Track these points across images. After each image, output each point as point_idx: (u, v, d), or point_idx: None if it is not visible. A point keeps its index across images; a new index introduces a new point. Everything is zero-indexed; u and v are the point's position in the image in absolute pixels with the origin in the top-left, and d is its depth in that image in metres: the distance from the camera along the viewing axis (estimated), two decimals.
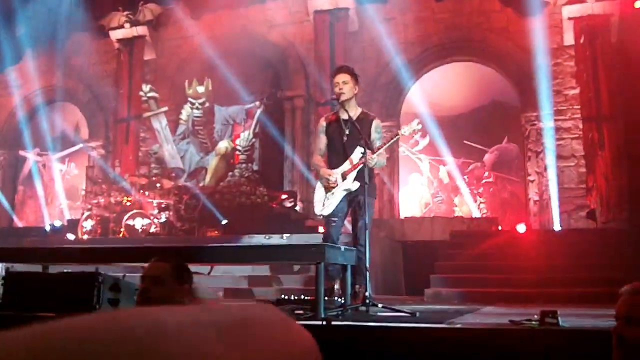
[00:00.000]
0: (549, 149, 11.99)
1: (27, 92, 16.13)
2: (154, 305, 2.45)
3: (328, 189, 6.01)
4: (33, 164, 16.10)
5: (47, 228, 13.39)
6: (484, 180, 13.31)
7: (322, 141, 6.28)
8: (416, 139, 13.37)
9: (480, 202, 13.19)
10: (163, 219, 11.73)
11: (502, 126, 13.05)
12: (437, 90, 13.68)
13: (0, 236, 12.72)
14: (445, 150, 13.82)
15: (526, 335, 3.76)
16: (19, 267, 6.12)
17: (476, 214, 12.95)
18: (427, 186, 13.91)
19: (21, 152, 16.26)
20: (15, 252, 6.54)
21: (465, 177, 13.72)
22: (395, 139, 6.01)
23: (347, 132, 6.02)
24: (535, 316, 3.96)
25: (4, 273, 5.21)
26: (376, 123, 6.13)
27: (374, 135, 6.03)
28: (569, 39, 12.15)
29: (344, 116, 6.08)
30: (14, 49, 15.37)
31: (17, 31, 15.44)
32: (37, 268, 5.85)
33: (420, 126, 6.07)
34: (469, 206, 13.30)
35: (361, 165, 5.78)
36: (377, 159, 5.85)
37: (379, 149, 5.80)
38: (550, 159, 11.97)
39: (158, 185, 12.31)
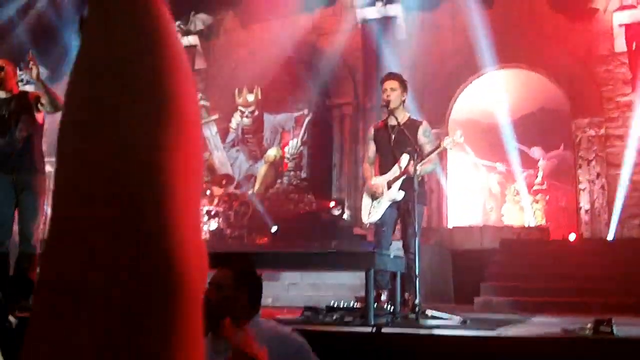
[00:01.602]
0: (601, 156, 11.77)
1: None
2: (212, 310, 2.50)
3: (374, 197, 6.05)
4: None
5: None
6: (534, 187, 13.12)
7: (371, 149, 6.34)
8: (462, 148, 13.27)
9: (535, 210, 12.99)
10: (213, 226, 11.88)
11: (552, 133, 12.87)
12: (485, 97, 13.58)
13: None
14: (494, 158, 13.71)
15: (579, 344, 3.71)
16: None
17: (529, 222, 12.77)
18: (476, 195, 13.80)
19: None
20: None
21: (514, 185, 13.57)
22: (437, 150, 5.98)
23: (393, 137, 6.05)
24: (589, 325, 3.91)
25: None
26: (424, 127, 6.12)
27: (422, 139, 6.02)
28: (620, 45, 11.92)
29: (392, 122, 6.11)
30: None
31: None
32: None
33: (462, 139, 6.03)
34: (521, 215, 13.14)
35: (405, 176, 5.81)
36: (425, 167, 5.85)
37: (421, 159, 5.78)
38: (602, 167, 11.75)
39: (208, 192, 12.48)
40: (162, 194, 0.48)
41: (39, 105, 5.77)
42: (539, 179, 13.09)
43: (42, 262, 0.50)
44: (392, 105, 6.03)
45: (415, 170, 5.63)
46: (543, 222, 12.53)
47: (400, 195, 5.90)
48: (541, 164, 13.17)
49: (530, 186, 13.39)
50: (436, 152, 5.94)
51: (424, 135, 6.06)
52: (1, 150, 5.71)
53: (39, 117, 5.86)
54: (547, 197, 12.86)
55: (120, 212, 0.47)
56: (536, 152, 13.44)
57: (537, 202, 12.98)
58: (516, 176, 13.27)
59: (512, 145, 13.27)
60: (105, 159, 0.48)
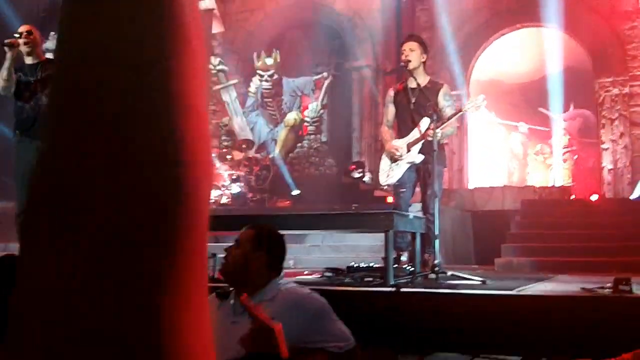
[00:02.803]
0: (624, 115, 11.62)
1: None
2: (228, 266, 2.56)
3: (393, 159, 6.05)
4: None
5: None
6: (565, 150, 12.97)
7: (390, 111, 6.31)
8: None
9: (558, 169, 12.87)
10: (235, 190, 11.95)
11: (575, 93, 12.70)
12: (507, 57, 13.41)
13: None
14: (516, 119, 13.58)
15: (599, 302, 3.72)
16: None
17: (554, 182, 12.65)
18: (498, 156, 13.72)
19: None
20: None
21: (538, 145, 13.46)
22: (458, 114, 5.94)
23: (413, 100, 6.02)
24: (608, 284, 3.91)
25: None
26: (444, 90, 6.07)
27: (443, 102, 5.98)
28: None
29: (412, 85, 6.06)
30: None
31: None
32: None
33: (485, 102, 6.00)
34: (545, 175, 13.05)
35: (424, 139, 5.80)
36: (444, 130, 5.83)
37: (442, 123, 5.74)
38: (625, 126, 11.60)
39: (229, 157, 12.54)
40: (171, 100, 0.47)
41: None
42: (561, 139, 12.95)
43: (34, 177, 0.47)
44: (411, 66, 5.98)
45: (435, 134, 5.61)
46: (569, 182, 12.38)
47: (419, 158, 5.89)
48: (564, 124, 13.01)
49: (553, 146, 13.27)
50: (457, 116, 5.90)
51: (444, 99, 6.01)
52: (27, 115, 5.83)
53: None
54: (575, 157, 12.70)
55: (125, 117, 0.45)
56: (560, 114, 13.28)
57: (565, 161, 12.85)
58: (546, 134, 13.14)
59: (533, 106, 13.13)
60: (113, 69, 0.46)
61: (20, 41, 5.90)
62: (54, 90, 0.50)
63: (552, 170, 13.19)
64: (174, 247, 0.46)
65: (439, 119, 5.71)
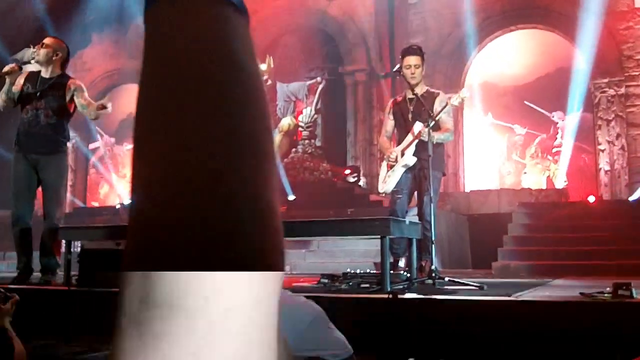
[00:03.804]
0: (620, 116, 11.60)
1: (94, 77, 16.52)
2: None
3: (389, 167, 6.05)
4: (102, 146, 16.54)
5: (117, 207, 13.76)
6: (554, 149, 12.96)
7: (389, 123, 6.34)
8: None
9: (554, 171, 12.83)
10: None
11: (569, 94, 12.68)
12: (501, 59, 13.39)
13: (75, 215, 13.15)
14: (511, 121, 13.56)
15: (598, 308, 3.68)
16: (93, 244, 6.34)
17: (552, 184, 12.61)
18: (493, 159, 13.69)
19: (91, 146, 16.61)
20: (89, 230, 6.76)
21: (533, 147, 13.44)
22: (445, 108, 5.89)
23: (411, 109, 6.03)
24: (608, 288, 3.87)
25: (79, 250, 5.38)
26: (440, 98, 6.06)
27: (439, 109, 5.96)
28: None
29: (410, 95, 6.08)
30: (82, 33, 15.73)
31: (87, 18, 15.78)
32: (110, 245, 6.04)
33: (468, 94, 5.99)
34: (540, 177, 13.02)
35: (417, 140, 5.77)
36: (438, 135, 5.80)
37: (433, 119, 5.71)
38: (621, 128, 11.58)
39: None
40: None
41: (74, 95, 5.80)
42: (558, 141, 12.93)
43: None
44: (414, 82, 5.98)
45: (428, 133, 5.58)
46: (565, 183, 12.34)
47: (412, 160, 5.87)
48: (560, 125, 12.99)
49: (549, 148, 13.24)
50: (444, 109, 5.84)
51: (440, 105, 5.99)
52: (23, 128, 5.80)
53: (70, 105, 5.88)
54: (568, 159, 12.68)
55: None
56: (556, 115, 13.26)
57: (556, 162, 12.83)
58: (527, 140, 13.13)
59: (527, 108, 13.11)
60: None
61: (30, 52, 5.83)
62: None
63: (547, 172, 13.17)
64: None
65: (434, 125, 5.70)
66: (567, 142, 12.40)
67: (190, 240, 0.40)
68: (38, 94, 5.79)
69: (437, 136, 5.80)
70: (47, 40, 5.97)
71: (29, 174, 5.80)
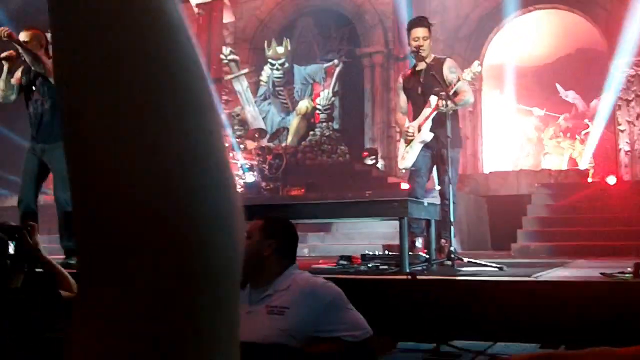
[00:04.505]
0: None
1: None
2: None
3: (407, 142, 6.02)
4: None
5: None
6: (584, 132, 12.82)
7: (402, 99, 6.29)
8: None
9: (580, 151, 12.70)
10: (250, 180, 11.94)
11: (589, 75, 12.54)
12: (520, 40, 13.26)
13: None
14: (530, 102, 13.46)
15: (619, 288, 3.66)
16: None
17: (583, 165, 12.48)
18: (513, 140, 13.61)
19: None
20: None
21: (552, 129, 13.34)
22: (458, 83, 5.81)
23: (422, 80, 5.97)
24: (629, 269, 3.84)
25: None
26: (448, 63, 5.98)
27: (449, 76, 5.87)
28: None
29: (420, 67, 6.02)
30: None
31: None
32: None
33: (480, 68, 5.91)
34: (560, 158, 12.93)
35: (435, 113, 5.72)
36: (459, 99, 5.73)
37: (449, 93, 5.62)
38: None
39: (242, 146, 12.52)
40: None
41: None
42: (584, 121, 12.81)
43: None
44: (424, 54, 5.92)
45: (446, 105, 5.53)
46: (590, 164, 12.19)
47: (429, 136, 5.82)
48: (582, 106, 12.87)
49: (572, 129, 13.13)
50: (457, 84, 5.77)
51: (450, 72, 5.92)
52: (32, 122, 5.88)
53: None
54: (592, 139, 12.53)
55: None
56: (570, 94, 13.13)
57: (582, 142, 12.70)
58: (547, 120, 13.03)
59: (547, 88, 12.99)
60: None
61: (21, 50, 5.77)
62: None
63: (571, 151, 13.05)
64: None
65: (446, 94, 5.61)
66: (598, 123, 12.17)
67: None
68: (34, 85, 5.80)
69: (458, 102, 5.74)
70: (24, 38, 5.72)
71: (36, 163, 5.87)
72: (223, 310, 0.42)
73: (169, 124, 0.40)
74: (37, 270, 2.83)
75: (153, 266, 0.39)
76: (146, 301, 0.39)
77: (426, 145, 5.92)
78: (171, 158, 0.40)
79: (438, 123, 5.72)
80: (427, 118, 5.84)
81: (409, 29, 6.06)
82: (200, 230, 0.40)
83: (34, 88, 5.83)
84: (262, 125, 14.19)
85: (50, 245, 6.75)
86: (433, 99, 5.77)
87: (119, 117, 0.39)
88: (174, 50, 0.41)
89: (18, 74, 5.92)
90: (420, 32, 5.94)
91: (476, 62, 5.93)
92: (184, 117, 0.41)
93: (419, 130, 5.89)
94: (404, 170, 6.36)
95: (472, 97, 6.15)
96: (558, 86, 13.00)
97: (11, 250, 2.63)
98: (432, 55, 6.09)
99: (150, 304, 0.39)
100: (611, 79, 11.75)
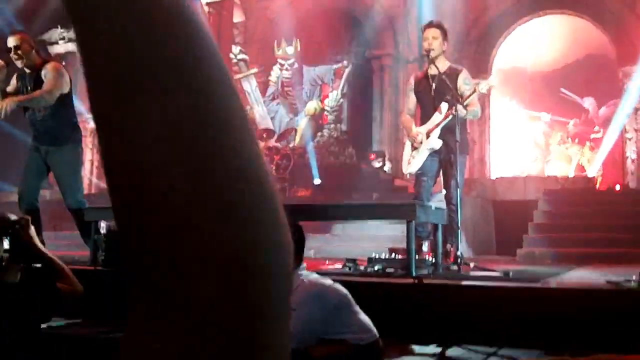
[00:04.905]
0: None
1: None
2: None
3: (414, 147, 6.02)
4: None
5: None
6: (592, 135, 12.78)
7: (411, 100, 6.26)
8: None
9: (589, 158, 12.65)
10: None
11: (598, 81, 12.52)
12: (529, 45, 13.25)
13: (101, 196, 13.31)
14: (539, 107, 13.44)
15: (624, 296, 3.67)
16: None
17: (591, 172, 12.44)
18: (520, 145, 13.59)
19: None
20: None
21: (559, 134, 13.32)
22: (472, 94, 5.84)
23: (434, 86, 5.96)
24: (634, 277, 3.86)
25: (105, 231, 5.45)
26: (464, 75, 5.99)
27: (463, 87, 5.89)
28: None
29: (432, 72, 6.01)
30: None
31: None
32: None
33: (496, 82, 5.93)
34: (567, 165, 12.90)
35: (445, 121, 5.73)
36: (469, 109, 5.75)
37: (462, 102, 5.65)
38: None
39: None
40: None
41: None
42: (596, 127, 12.77)
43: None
44: (433, 54, 5.91)
45: (456, 114, 5.54)
46: (599, 172, 12.14)
47: (438, 143, 5.83)
48: (592, 112, 12.83)
49: (581, 135, 13.09)
50: (471, 96, 5.81)
51: (464, 83, 5.93)
52: (32, 127, 5.90)
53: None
54: (600, 146, 12.49)
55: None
56: (587, 101, 13.10)
57: (592, 149, 12.66)
58: (553, 126, 13.00)
59: (555, 94, 12.97)
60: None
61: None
62: None
63: (579, 157, 13.02)
64: None
65: (458, 103, 5.64)
66: (612, 130, 12.09)
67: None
68: (24, 91, 5.75)
69: (468, 112, 5.76)
70: (13, 43, 5.70)
71: (39, 163, 5.93)
72: (277, 334, 0.43)
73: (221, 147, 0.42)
74: (36, 265, 2.85)
75: (212, 293, 0.40)
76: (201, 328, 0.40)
77: (434, 150, 5.94)
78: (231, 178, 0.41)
79: (447, 129, 5.74)
80: (437, 125, 5.84)
81: (422, 31, 6.11)
82: (258, 254, 0.41)
83: (27, 93, 5.80)
84: (270, 126, 14.21)
85: (56, 242, 6.82)
86: (444, 106, 5.77)
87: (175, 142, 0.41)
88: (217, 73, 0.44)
89: (14, 80, 5.91)
90: (429, 32, 5.96)
91: (492, 76, 5.97)
92: (232, 136, 0.43)
93: (427, 137, 5.90)
94: (408, 175, 6.37)
95: (480, 110, 6.19)
96: (569, 92, 12.97)
97: (6, 245, 2.64)
98: (448, 63, 6.08)
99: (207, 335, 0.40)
100: (620, 86, 11.70)
